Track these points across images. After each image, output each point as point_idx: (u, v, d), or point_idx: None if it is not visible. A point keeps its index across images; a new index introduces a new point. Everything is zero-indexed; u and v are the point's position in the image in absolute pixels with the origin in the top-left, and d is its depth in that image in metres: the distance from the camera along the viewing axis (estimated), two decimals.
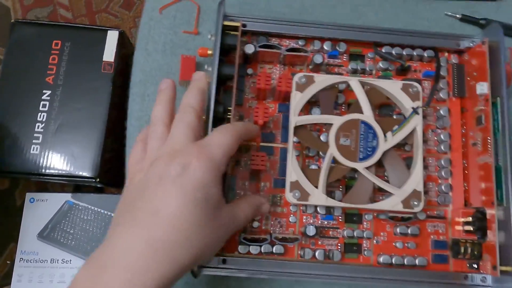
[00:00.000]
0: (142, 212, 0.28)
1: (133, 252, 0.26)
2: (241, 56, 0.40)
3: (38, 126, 0.69)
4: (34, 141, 0.68)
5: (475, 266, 0.37)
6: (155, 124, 0.33)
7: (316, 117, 0.38)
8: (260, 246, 0.36)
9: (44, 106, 0.70)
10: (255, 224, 0.38)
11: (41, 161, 0.68)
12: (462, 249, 0.36)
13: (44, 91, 0.70)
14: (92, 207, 0.77)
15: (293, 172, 0.36)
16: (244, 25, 0.40)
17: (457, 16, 0.46)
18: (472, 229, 0.37)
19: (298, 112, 0.37)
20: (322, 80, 0.38)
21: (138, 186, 0.30)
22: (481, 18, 0.45)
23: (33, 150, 0.68)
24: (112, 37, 0.74)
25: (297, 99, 0.37)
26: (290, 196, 0.36)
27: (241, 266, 0.36)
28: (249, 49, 0.39)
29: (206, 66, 0.38)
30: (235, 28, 0.39)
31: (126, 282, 0.25)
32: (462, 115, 0.41)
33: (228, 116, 0.37)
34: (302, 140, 0.38)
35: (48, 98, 0.70)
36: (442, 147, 0.40)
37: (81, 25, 0.75)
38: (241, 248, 0.37)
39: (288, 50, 0.39)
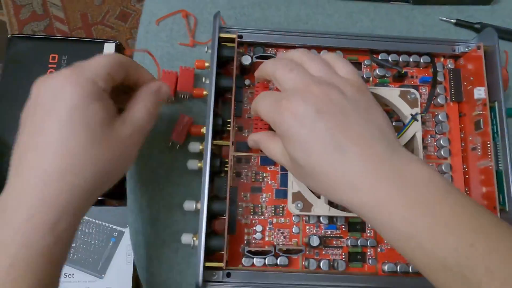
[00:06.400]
0: (27, 147, 0.27)
1: (28, 190, 0.26)
2: (238, 68, 0.40)
3: None
4: None
5: None
6: None
7: None
8: (264, 258, 0.36)
9: None
10: (258, 235, 0.38)
11: None
12: None
13: None
14: (93, 220, 0.77)
15: (295, 183, 0.36)
16: (240, 36, 0.40)
17: (452, 21, 0.46)
18: None
19: None
20: None
21: (22, 121, 0.29)
22: (476, 22, 0.45)
23: None
24: (109, 49, 0.74)
25: None
26: (292, 207, 0.36)
27: (246, 279, 0.35)
28: (246, 60, 0.39)
29: (204, 79, 0.38)
30: (231, 40, 0.39)
31: (29, 217, 0.25)
32: (460, 119, 0.41)
33: (227, 128, 0.37)
34: None
35: None
36: (442, 152, 0.40)
37: (78, 38, 0.75)
38: (245, 261, 0.36)
39: None
